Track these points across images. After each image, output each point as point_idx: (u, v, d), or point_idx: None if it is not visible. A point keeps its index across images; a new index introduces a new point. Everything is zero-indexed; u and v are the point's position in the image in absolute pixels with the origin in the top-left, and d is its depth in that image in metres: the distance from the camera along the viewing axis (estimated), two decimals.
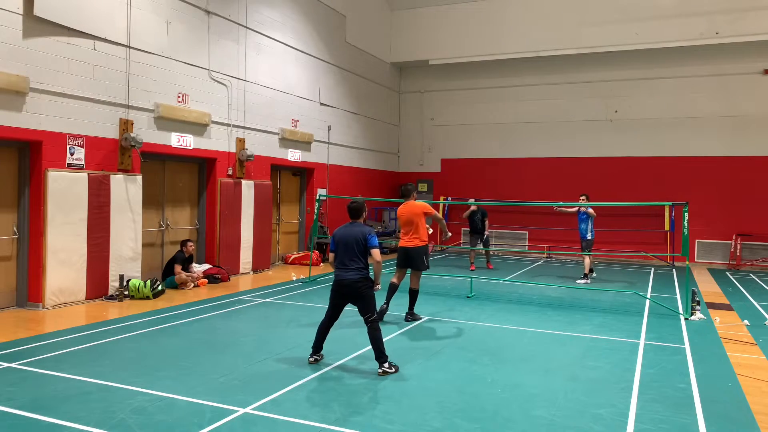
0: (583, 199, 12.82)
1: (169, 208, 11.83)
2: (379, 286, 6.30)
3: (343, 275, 6.15)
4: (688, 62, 17.36)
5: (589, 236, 12.73)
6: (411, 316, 8.67)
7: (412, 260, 8.53)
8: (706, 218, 16.82)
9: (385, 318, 8.68)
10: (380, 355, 5.97)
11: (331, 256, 6.35)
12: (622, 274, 14.75)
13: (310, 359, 6.32)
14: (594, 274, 13.61)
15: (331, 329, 7.82)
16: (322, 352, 6.40)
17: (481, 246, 15.21)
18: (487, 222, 15.11)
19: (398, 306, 9.49)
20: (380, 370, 5.92)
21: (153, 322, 8.11)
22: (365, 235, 6.12)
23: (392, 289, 8.63)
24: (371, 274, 6.22)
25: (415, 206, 8.55)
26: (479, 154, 19.93)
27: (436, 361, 6.47)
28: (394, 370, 5.97)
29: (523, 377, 5.95)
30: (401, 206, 8.75)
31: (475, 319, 8.76)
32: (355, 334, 7.60)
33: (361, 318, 8.42)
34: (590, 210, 12.66)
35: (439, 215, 8.67)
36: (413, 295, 8.68)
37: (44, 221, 8.83)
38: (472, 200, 15.47)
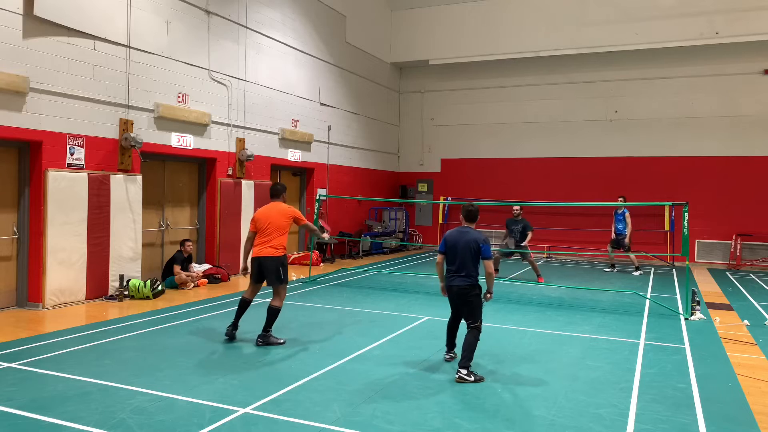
0: (621, 200, 14.37)
1: (169, 208, 11.83)
2: (490, 296, 6.20)
3: (451, 282, 6.17)
4: (688, 62, 17.36)
5: (626, 231, 14.40)
6: (262, 339, 7.02)
7: (266, 273, 7.16)
8: (706, 218, 16.81)
9: (381, 320, 8.67)
10: (465, 362, 5.82)
11: (439, 257, 6.38)
12: (622, 274, 14.74)
13: (446, 357, 6.50)
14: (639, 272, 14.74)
15: (330, 329, 7.85)
16: (455, 350, 6.50)
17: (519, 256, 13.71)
18: (530, 235, 13.02)
19: (403, 307, 9.49)
20: (457, 376, 5.77)
21: (153, 322, 8.11)
22: (478, 244, 6.06)
23: (242, 305, 7.31)
24: (481, 279, 6.15)
25: (283, 210, 7.22)
26: (479, 154, 19.92)
27: (436, 361, 6.47)
28: (473, 379, 5.74)
29: (523, 377, 5.95)
30: (262, 208, 7.36)
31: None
32: (355, 334, 7.60)
33: (360, 319, 8.46)
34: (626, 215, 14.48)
35: (306, 221, 7.38)
36: (271, 312, 7.07)
37: (44, 221, 8.83)
38: (517, 209, 13.21)
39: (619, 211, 14.58)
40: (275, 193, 7.47)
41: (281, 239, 7.18)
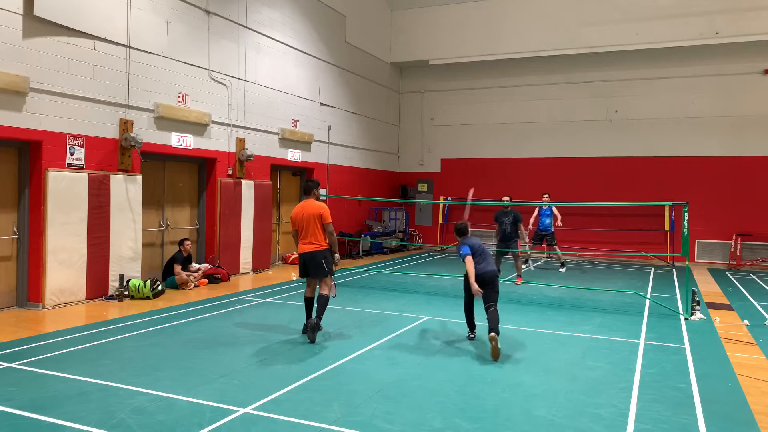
0: (546, 198, 14.75)
1: (169, 208, 11.83)
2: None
3: (484, 269, 7.15)
4: (688, 62, 17.36)
5: (552, 228, 14.84)
6: (313, 328, 7.22)
7: (310, 268, 7.48)
8: (706, 218, 16.81)
9: (381, 320, 8.68)
10: (497, 327, 6.76)
11: (468, 258, 7.15)
12: (622, 274, 14.74)
13: (470, 336, 7.51)
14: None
15: (330, 329, 7.86)
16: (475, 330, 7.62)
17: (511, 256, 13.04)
18: (521, 227, 12.34)
19: (403, 307, 9.48)
20: (493, 336, 6.62)
21: (153, 322, 8.11)
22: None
23: (307, 304, 7.60)
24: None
25: (313, 207, 7.47)
26: (479, 154, 19.92)
27: (436, 361, 6.47)
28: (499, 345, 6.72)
29: (523, 377, 5.95)
30: (297, 207, 7.64)
31: (475, 319, 8.74)
32: (355, 334, 7.60)
33: (360, 319, 8.51)
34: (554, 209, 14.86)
35: (332, 229, 7.52)
36: (321, 301, 7.39)
37: (44, 221, 8.83)
38: (506, 198, 12.79)
39: (545, 207, 14.90)
40: (306, 189, 7.77)
41: (319, 234, 7.51)
